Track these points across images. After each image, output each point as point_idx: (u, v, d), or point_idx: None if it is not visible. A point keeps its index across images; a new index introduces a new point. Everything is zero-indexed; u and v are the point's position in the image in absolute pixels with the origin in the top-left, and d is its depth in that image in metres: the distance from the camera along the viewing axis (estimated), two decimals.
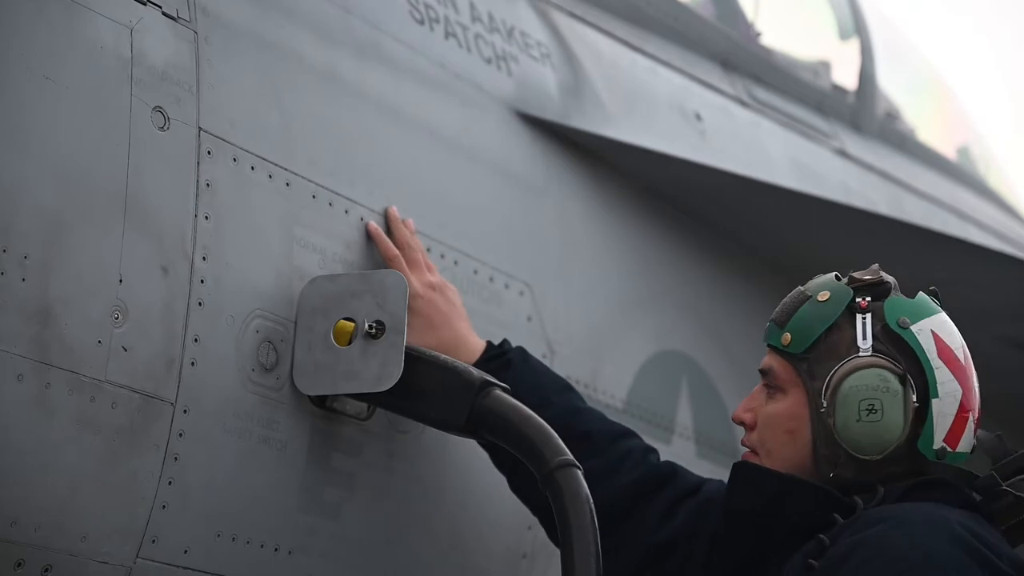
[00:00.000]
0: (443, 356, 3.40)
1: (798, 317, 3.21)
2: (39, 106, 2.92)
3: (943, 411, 3.13)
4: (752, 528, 3.18)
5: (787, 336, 3.20)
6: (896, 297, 3.20)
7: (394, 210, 3.56)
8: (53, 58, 2.94)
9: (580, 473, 3.19)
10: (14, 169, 2.87)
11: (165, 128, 3.12)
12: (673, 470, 3.52)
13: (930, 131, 6.22)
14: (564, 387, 3.60)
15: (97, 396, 2.97)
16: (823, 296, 3.21)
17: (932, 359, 3.14)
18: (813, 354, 3.18)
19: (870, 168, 5.47)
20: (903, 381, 3.11)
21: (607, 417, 3.61)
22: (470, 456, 3.62)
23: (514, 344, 3.61)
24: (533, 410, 3.36)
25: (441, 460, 3.60)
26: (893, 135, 5.82)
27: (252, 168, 3.28)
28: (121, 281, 3.01)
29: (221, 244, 3.19)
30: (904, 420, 3.11)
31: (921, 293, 3.23)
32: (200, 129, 3.18)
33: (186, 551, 3.14)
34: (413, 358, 3.33)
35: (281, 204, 3.33)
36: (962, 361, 3.17)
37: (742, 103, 4.94)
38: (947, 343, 3.17)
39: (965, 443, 3.16)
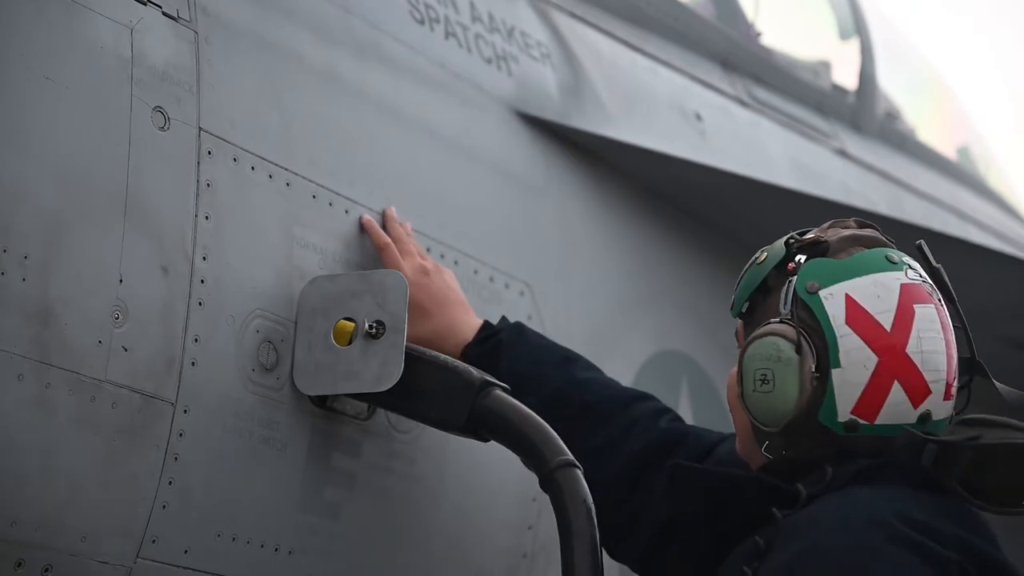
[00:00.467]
0: (443, 356, 3.40)
1: (742, 280, 3.11)
2: (39, 106, 2.92)
3: (848, 380, 2.92)
4: (701, 529, 3.05)
5: (732, 299, 3.12)
6: (821, 259, 3.00)
7: (392, 211, 3.56)
8: (53, 58, 2.94)
9: (580, 473, 3.19)
10: (14, 169, 2.87)
11: (165, 128, 3.12)
12: (683, 432, 3.40)
13: (930, 131, 6.22)
14: (563, 359, 3.52)
15: (97, 396, 2.97)
16: (761, 257, 3.08)
17: (837, 327, 2.94)
18: (752, 318, 3.07)
19: (870, 168, 5.47)
20: (799, 350, 2.94)
21: (616, 383, 3.53)
22: (470, 456, 3.62)
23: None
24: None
25: (441, 460, 3.60)
26: (893, 135, 5.82)
27: (252, 168, 3.28)
28: (121, 281, 3.01)
29: (221, 244, 3.19)
30: (798, 391, 2.93)
31: (869, 251, 3.03)
32: (200, 129, 3.18)
33: (186, 551, 3.14)
34: (413, 358, 3.33)
35: (281, 204, 3.34)
36: (887, 326, 2.95)
37: (742, 103, 4.94)
38: (865, 307, 2.95)
39: (891, 415, 2.93)
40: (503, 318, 3.59)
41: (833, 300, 2.96)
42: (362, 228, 3.50)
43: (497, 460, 3.57)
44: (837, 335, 2.94)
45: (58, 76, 2.94)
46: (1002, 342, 4.86)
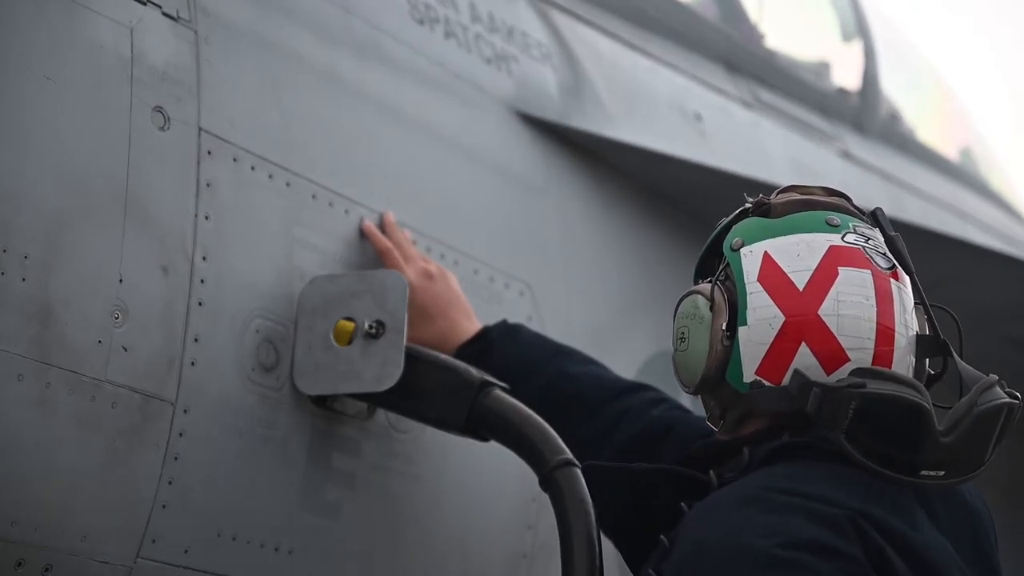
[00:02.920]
0: (443, 356, 3.40)
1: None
2: (39, 106, 2.92)
3: (752, 339, 2.78)
4: (633, 525, 2.90)
5: None
6: (754, 218, 2.88)
7: (390, 215, 3.56)
8: (53, 58, 2.95)
9: (580, 472, 3.19)
10: (14, 169, 2.88)
11: (165, 128, 3.12)
12: (674, 420, 3.29)
13: (932, 132, 6.22)
14: (555, 353, 3.50)
15: (97, 396, 2.98)
16: (721, 220, 2.94)
17: (748, 283, 2.80)
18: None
19: (871, 169, 5.47)
20: (713, 307, 2.81)
21: (610, 375, 3.50)
22: (470, 456, 3.62)
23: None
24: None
25: (441, 460, 3.60)
26: (895, 136, 5.82)
27: (252, 168, 3.29)
28: (121, 281, 3.01)
29: (221, 244, 3.20)
30: (709, 349, 2.81)
31: (808, 212, 2.86)
32: (200, 129, 3.18)
33: (186, 551, 3.15)
34: (413, 358, 3.34)
35: (281, 204, 3.34)
36: (799, 285, 2.78)
37: (745, 104, 4.94)
38: (780, 264, 2.80)
39: None
40: (504, 321, 3.59)
41: (751, 257, 2.83)
42: (362, 232, 3.50)
43: (497, 460, 3.57)
44: (747, 292, 2.80)
45: (58, 76, 2.95)
46: (1003, 342, 4.86)
